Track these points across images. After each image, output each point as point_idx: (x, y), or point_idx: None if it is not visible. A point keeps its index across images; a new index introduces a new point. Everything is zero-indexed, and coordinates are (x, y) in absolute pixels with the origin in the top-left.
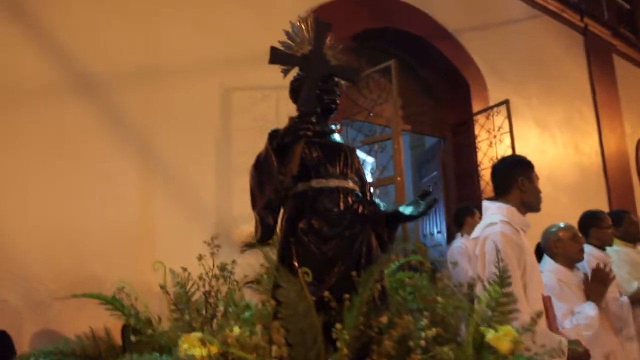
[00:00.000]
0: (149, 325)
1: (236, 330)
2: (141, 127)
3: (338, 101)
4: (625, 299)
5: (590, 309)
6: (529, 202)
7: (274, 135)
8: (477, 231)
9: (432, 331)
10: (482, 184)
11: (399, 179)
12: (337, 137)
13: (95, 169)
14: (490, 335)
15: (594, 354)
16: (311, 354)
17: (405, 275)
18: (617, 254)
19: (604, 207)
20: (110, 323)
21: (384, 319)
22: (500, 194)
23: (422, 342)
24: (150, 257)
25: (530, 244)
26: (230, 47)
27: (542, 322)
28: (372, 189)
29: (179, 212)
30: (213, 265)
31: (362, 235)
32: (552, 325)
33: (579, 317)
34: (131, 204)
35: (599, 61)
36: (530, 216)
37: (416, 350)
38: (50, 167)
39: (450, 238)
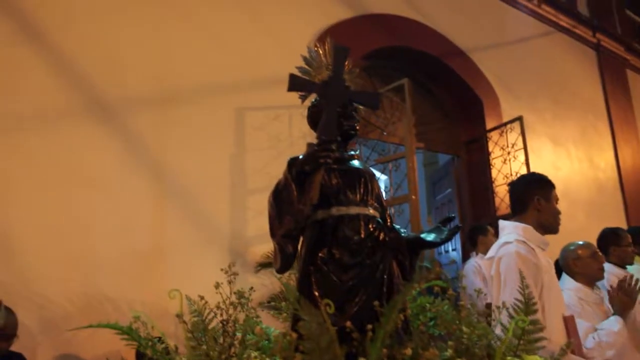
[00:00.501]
0: (166, 355)
1: (254, 358)
2: (154, 149)
3: (357, 127)
4: None
5: (613, 324)
6: (546, 223)
7: (292, 163)
8: (492, 251)
9: None
10: (497, 201)
11: (413, 197)
12: (356, 162)
13: (109, 192)
14: None
15: None
16: None
17: (426, 300)
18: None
19: (622, 222)
20: (124, 349)
21: (408, 351)
22: (517, 213)
23: None
24: (165, 280)
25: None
26: (243, 67)
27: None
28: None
29: (194, 234)
30: (230, 293)
31: (384, 263)
32: (575, 347)
33: (602, 333)
34: (145, 227)
35: (612, 76)
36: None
37: None
38: (64, 191)
39: (466, 256)
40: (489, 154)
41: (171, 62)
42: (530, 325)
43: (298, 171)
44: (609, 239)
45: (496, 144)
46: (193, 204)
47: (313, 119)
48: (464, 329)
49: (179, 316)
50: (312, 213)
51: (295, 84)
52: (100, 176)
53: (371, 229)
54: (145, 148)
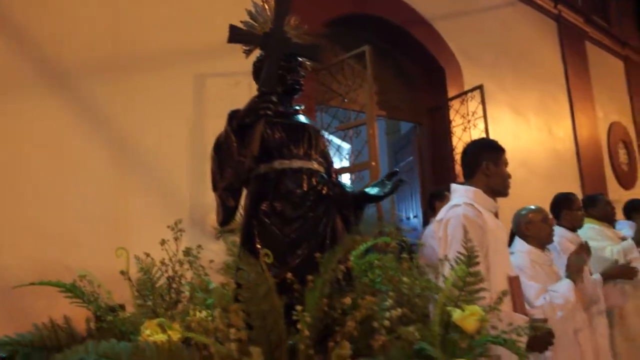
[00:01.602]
0: (110, 312)
1: (199, 315)
2: (111, 116)
3: (302, 81)
4: (597, 276)
5: (567, 289)
6: (495, 187)
7: (233, 115)
8: (441, 213)
9: (397, 312)
10: (457, 168)
11: (373, 164)
12: (302, 117)
13: (65, 158)
14: (456, 315)
15: (565, 330)
16: (272, 336)
17: (374, 257)
18: (594, 231)
19: (577, 190)
20: (73, 312)
21: (348, 300)
22: (467, 178)
23: (387, 322)
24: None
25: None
26: (202, 32)
27: (506, 304)
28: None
29: (152, 201)
30: (177, 250)
31: (327, 217)
32: (518, 306)
33: (554, 295)
34: (102, 194)
35: (572, 47)
36: (504, 200)
37: (380, 331)
38: (18, 156)
39: (427, 222)
40: (450, 122)
41: (128, 27)
42: (471, 277)
43: (239, 123)
44: (561, 203)
45: (457, 112)
46: (152, 172)
47: (257, 74)
48: (404, 279)
49: (124, 273)
50: (255, 167)
51: (236, 35)
52: (56, 142)
53: (314, 183)
54: (101, 115)
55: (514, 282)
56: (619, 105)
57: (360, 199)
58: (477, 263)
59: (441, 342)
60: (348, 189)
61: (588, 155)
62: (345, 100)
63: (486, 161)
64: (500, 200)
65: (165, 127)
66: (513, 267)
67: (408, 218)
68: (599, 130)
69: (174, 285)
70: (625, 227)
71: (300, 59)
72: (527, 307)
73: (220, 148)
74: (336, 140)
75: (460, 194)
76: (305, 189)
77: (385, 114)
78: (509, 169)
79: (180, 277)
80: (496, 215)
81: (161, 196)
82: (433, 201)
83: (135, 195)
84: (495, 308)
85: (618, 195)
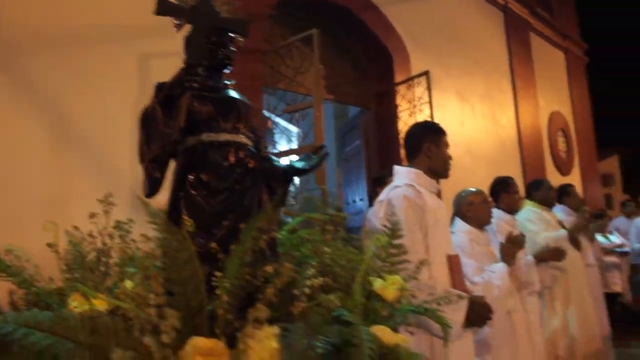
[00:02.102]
0: (34, 285)
1: (127, 284)
2: (52, 94)
3: (232, 56)
4: (530, 258)
5: (501, 272)
6: (436, 168)
7: (160, 87)
8: (383, 194)
9: (319, 280)
10: (403, 152)
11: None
12: (232, 92)
13: (3, 138)
14: (377, 284)
15: (499, 310)
16: (193, 302)
17: (305, 232)
18: (533, 214)
19: (518, 176)
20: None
21: (269, 269)
22: (410, 159)
23: (307, 290)
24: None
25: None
26: (147, 11)
27: (445, 281)
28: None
29: (94, 182)
30: (107, 224)
31: (253, 190)
32: (457, 283)
33: (492, 275)
34: (42, 174)
35: (516, 38)
36: (448, 184)
37: (301, 298)
38: None
39: (372, 205)
40: (396, 107)
41: (71, 3)
42: (394, 249)
43: (165, 95)
44: (499, 186)
45: (404, 97)
46: (94, 151)
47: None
48: (326, 249)
49: (51, 246)
50: (183, 139)
51: (163, 7)
52: None
53: (241, 156)
54: (41, 94)
55: (453, 261)
56: (559, 95)
57: (288, 173)
58: (401, 236)
59: (363, 310)
60: (276, 163)
61: (529, 143)
62: (293, 82)
63: (427, 143)
64: (445, 183)
65: (109, 107)
66: (453, 247)
67: (354, 201)
68: (540, 118)
69: (103, 259)
70: (559, 211)
71: (231, 34)
72: (467, 284)
73: (147, 120)
74: (283, 123)
75: (402, 176)
76: (232, 161)
77: (332, 97)
78: (454, 153)
79: (109, 250)
80: (439, 196)
81: (104, 176)
82: (377, 185)
83: (77, 174)
84: (414, 277)
85: (556, 181)
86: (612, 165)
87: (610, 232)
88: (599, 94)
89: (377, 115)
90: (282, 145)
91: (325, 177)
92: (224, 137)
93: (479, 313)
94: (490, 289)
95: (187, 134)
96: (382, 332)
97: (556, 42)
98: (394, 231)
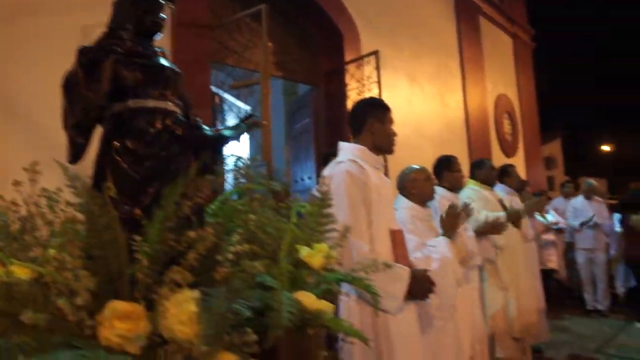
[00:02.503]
0: None
1: (51, 252)
2: None
3: (161, 23)
4: (472, 233)
5: (443, 245)
6: (380, 144)
7: (82, 51)
8: (326, 170)
9: (244, 247)
10: None
11: (265, 122)
12: (162, 60)
13: None
14: (304, 252)
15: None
16: (114, 267)
17: (239, 203)
18: (474, 192)
19: (465, 156)
20: None
21: (192, 234)
22: (354, 135)
23: (230, 256)
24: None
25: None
26: None
27: (388, 256)
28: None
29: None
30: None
31: (181, 157)
32: (400, 258)
33: (432, 250)
34: None
35: (466, 21)
36: (396, 163)
37: (224, 264)
38: None
39: None
40: (345, 85)
41: None
42: (323, 219)
43: (89, 59)
44: (442, 165)
45: (353, 76)
46: (37, 125)
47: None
48: (251, 216)
49: None
50: (109, 106)
51: None
52: None
53: (169, 123)
54: None
55: (396, 236)
56: (506, 79)
57: (217, 141)
58: (330, 206)
59: (291, 278)
60: (206, 131)
61: (476, 124)
62: (241, 58)
63: (371, 119)
64: (392, 162)
65: (49, 79)
66: (397, 222)
67: (302, 179)
68: (487, 101)
69: (29, 227)
70: (499, 190)
71: (161, 0)
72: (411, 259)
73: (69, 84)
74: (232, 99)
75: (346, 152)
76: (159, 128)
77: (281, 74)
78: (402, 133)
79: (33, 218)
80: (387, 173)
81: (45, 150)
82: (326, 163)
83: (16, 148)
84: (339, 245)
85: (501, 162)
86: (555, 148)
87: (547, 212)
88: (544, 79)
89: (326, 93)
90: (231, 122)
91: (270, 152)
92: (151, 103)
93: (420, 286)
94: (429, 264)
95: (113, 100)
96: (306, 298)
97: (505, 27)
98: (323, 201)
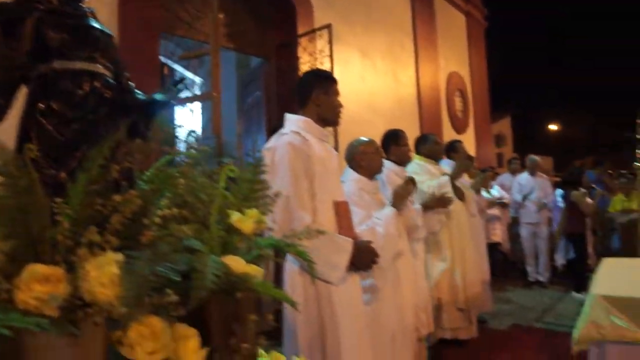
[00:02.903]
0: None
1: None
2: None
3: None
4: (418, 206)
5: (390, 216)
6: (325, 116)
7: (1, 8)
8: (270, 142)
9: (172, 211)
10: None
11: (215, 94)
12: (92, 21)
13: None
14: (235, 217)
15: (385, 255)
16: (35, 230)
17: (174, 170)
18: (418, 166)
19: (416, 132)
20: None
21: (118, 198)
22: (300, 107)
23: (158, 220)
24: None
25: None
26: None
27: (331, 227)
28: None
29: None
30: None
31: (109, 121)
32: (344, 229)
33: (377, 222)
34: None
35: None
36: (346, 137)
37: (150, 227)
38: None
39: None
40: (298, 59)
41: None
42: (257, 185)
43: (8, 17)
44: (390, 139)
45: (305, 49)
46: None
47: None
48: (181, 180)
49: None
50: (34, 66)
51: None
52: None
53: (97, 86)
54: None
55: (340, 207)
56: (458, 57)
57: (149, 105)
58: (264, 172)
59: (222, 243)
60: (137, 95)
61: (428, 101)
62: (192, 29)
63: (317, 90)
64: (343, 136)
65: None
66: (344, 194)
67: (254, 152)
68: (439, 78)
69: None
70: (446, 165)
71: None
72: (356, 231)
73: None
74: (182, 70)
75: (291, 123)
76: (86, 90)
77: (233, 46)
78: (354, 108)
79: None
80: (337, 148)
81: None
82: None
83: None
84: (270, 210)
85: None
86: (505, 126)
87: (492, 187)
88: (496, 58)
89: (278, 66)
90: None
91: (220, 124)
92: (78, 65)
93: (363, 257)
94: (374, 236)
95: (39, 61)
96: (234, 262)
97: (458, 5)
98: (256, 167)
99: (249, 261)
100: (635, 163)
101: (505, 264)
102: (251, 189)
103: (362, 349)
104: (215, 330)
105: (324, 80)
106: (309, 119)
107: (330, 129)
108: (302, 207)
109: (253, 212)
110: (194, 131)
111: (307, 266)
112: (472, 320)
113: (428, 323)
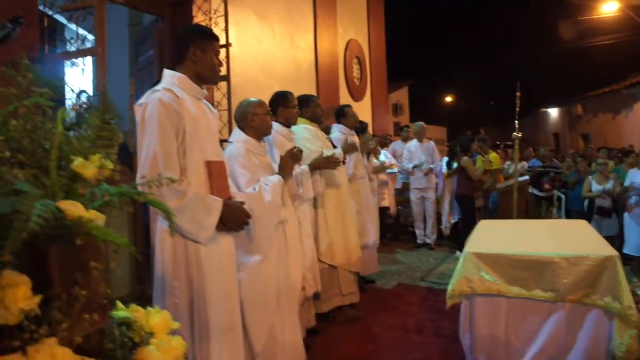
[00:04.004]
0: None
1: None
2: None
3: None
4: (305, 167)
5: (277, 185)
6: (202, 74)
7: None
8: (142, 99)
9: (4, 154)
10: None
11: (99, 50)
12: None
13: None
14: (77, 162)
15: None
16: None
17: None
18: (308, 131)
19: None
20: None
21: None
22: (177, 64)
23: None
24: None
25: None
26: None
27: (202, 187)
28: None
29: None
30: None
31: None
32: (216, 189)
33: (265, 188)
34: None
35: None
36: (240, 100)
37: None
38: None
39: None
40: (192, 18)
41: None
42: (104, 132)
43: None
44: (278, 101)
45: (200, 8)
46: None
47: None
48: (13, 122)
49: None
50: None
51: None
52: None
53: None
54: None
55: (214, 167)
56: (357, 24)
57: None
58: (113, 118)
59: (66, 190)
60: None
61: (326, 68)
62: None
63: (194, 47)
64: (239, 98)
65: None
66: (222, 155)
67: None
68: (338, 45)
69: None
70: (337, 130)
71: None
72: (235, 191)
73: None
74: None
75: (167, 80)
76: None
77: (123, 1)
78: (250, 71)
79: None
80: (230, 110)
81: None
82: None
83: None
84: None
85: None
86: (402, 96)
87: (380, 153)
88: (396, 28)
89: (172, 25)
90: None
91: (105, 81)
92: None
93: (234, 218)
94: (261, 200)
95: None
96: (71, 206)
97: None
98: (104, 112)
99: (95, 209)
100: (514, 134)
101: (396, 228)
102: (98, 135)
103: (233, 308)
104: (55, 278)
105: (202, 37)
106: (184, 76)
107: (224, 90)
108: (169, 166)
109: (96, 158)
110: (84, 91)
111: (167, 219)
112: (357, 284)
113: (315, 283)
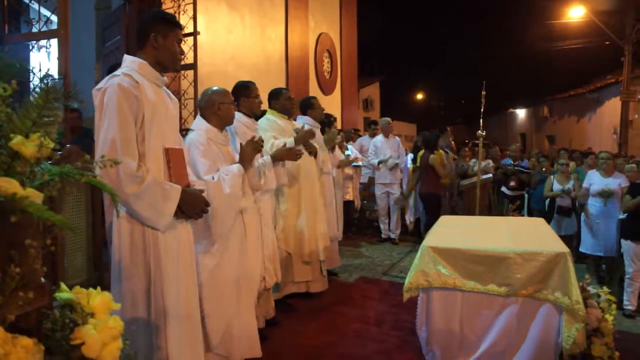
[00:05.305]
0: None
1: None
2: None
3: None
4: (267, 158)
5: (237, 174)
6: (162, 60)
7: None
8: (101, 83)
9: None
10: None
11: (62, 32)
12: None
13: None
14: (15, 140)
15: (232, 209)
16: None
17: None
18: (268, 122)
19: None
20: None
21: None
22: (138, 49)
23: None
24: None
25: None
26: None
27: (160, 173)
28: None
29: None
30: None
31: None
32: (175, 176)
33: (225, 178)
34: None
35: None
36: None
37: None
38: None
39: None
40: (161, 4)
41: None
42: (47, 111)
43: None
44: (240, 90)
45: None
46: None
47: None
48: None
49: None
50: None
51: None
52: None
53: None
54: None
55: (172, 154)
56: (329, 19)
57: None
58: (57, 99)
59: (5, 168)
60: None
61: (296, 60)
62: None
63: (154, 33)
64: (205, 86)
65: None
66: (182, 142)
67: None
68: (309, 38)
69: None
70: (303, 121)
71: None
72: (194, 179)
73: None
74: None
75: (127, 65)
76: None
77: None
78: (218, 60)
79: None
80: (176, 93)
81: None
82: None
83: None
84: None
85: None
86: (374, 91)
87: (347, 148)
88: (368, 24)
89: (139, 10)
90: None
91: (68, 64)
92: None
93: (192, 205)
94: (220, 190)
95: None
96: (5, 183)
97: None
98: (48, 93)
99: (34, 187)
100: (478, 132)
101: (361, 222)
102: (39, 114)
103: (190, 296)
104: None
105: (164, 24)
106: (144, 62)
107: (190, 79)
108: (128, 151)
109: (35, 136)
110: (50, 75)
111: (112, 201)
112: (323, 274)
113: (275, 273)
